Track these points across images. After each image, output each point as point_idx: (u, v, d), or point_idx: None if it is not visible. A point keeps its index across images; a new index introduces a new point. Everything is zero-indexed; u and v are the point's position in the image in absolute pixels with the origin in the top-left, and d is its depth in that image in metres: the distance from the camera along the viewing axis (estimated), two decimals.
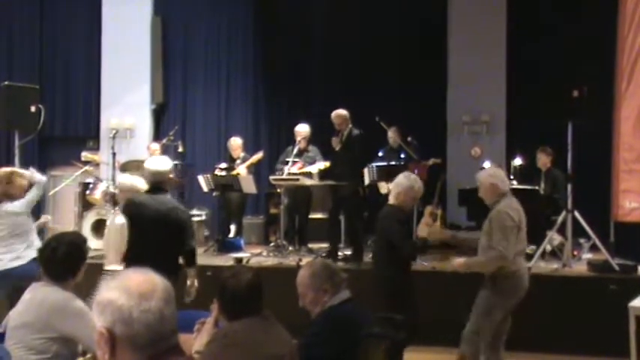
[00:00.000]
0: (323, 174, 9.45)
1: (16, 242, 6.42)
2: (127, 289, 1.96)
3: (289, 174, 9.23)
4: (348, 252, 8.95)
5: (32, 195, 6.57)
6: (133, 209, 5.76)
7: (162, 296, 1.99)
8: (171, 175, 6.01)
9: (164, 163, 6.05)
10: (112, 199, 10.05)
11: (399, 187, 5.93)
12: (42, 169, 13.11)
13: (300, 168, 9.44)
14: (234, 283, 3.46)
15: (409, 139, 10.33)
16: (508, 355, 6.94)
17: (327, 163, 9.45)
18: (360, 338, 3.80)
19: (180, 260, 5.81)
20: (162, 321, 1.97)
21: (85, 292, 4.36)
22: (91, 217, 10.19)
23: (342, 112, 8.94)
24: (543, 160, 9.72)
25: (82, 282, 4.06)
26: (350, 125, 8.91)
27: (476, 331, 5.73)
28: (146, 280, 2.01)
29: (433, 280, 7.69)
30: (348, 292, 4.01)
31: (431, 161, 10.19)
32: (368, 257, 8.29)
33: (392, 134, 10.22)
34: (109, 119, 12.65)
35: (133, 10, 12.80)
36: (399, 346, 5.49)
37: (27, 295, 3.89)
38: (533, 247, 8.54)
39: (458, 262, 5.78)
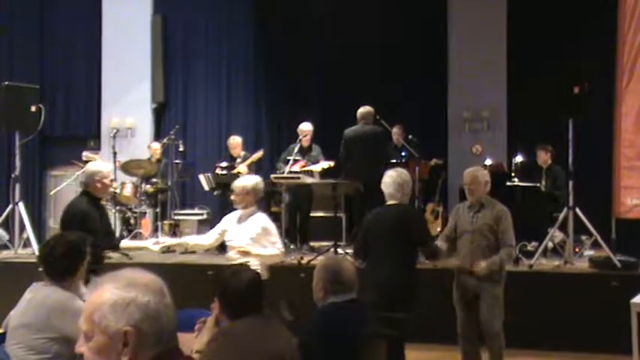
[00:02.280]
0: (325, 173, 9.46)
1: None
2: (146, 285, 1.96)
3: (290, 172, 9.22)
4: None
5: None
6: None
7: (167, 291, 2.01)
8: (97, 179, 5.66)
9: (88, 167, 5.84)
10: (113, 199, 10.05)
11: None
12: (43, 169, 13.22)
13: (303, 166, 9.44)
14: (234, 281, 3.46)
15: (410, 136, 10.34)
16: (510, 353, 6.95)
17: (332, 163, 9.45)
18: (358, 338, 3.79)
19: None
20: (175, 314, 2.00)
21: None
22: None
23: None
24: (543, 158, 9.72)
25: None
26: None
27: (500, 329, 5.92)
28: (151, 277, 2.02)
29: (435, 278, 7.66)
30: (352, 294, 3.99)
31: (433, 162, 10.20)
32: None
33: (397, 131, 10.28)
34: (110, 119, 12.64)
35: (133, 9, 12.81)
36: (400, 345, 5.51)
37: (27, 296, 3.88)
38: (535, 243, 8.55)
39: (481, 268, 5.78)
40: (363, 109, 9.07)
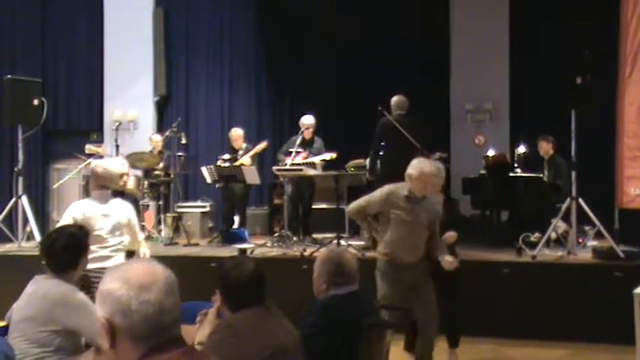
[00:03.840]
0: (327, 164, 9.46)
1: None
2: (127, 279, 1.96)
3: (293, 164, 9.21)
4: (356, 242, 8.94)
5: None
6: None
7: (162, 288, 1.98)
8: None
9: None
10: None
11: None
12: (46, 162, 13.25)
13: (305, 158, 9.42)
14: (236, 273, 3.44)
15: None
16: (513, 343, 6.98)
17: (334, 155, 9.44)
18: (360, 330, 3.79)
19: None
20: (162, 313, 1.96)
21: None
22: None
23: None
24: (545, 148, 9.71)
25: None
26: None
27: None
28: (147, 271, 2.01)
29: None
30: (355, 286, 3.98)
31: (437, 155, 10.15)
32: None
33: None
34: (112, 112, 12.67)
35: (134, 2, 12.82)
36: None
37: (29, 289, 3.89)
38: (538, 234, 8.53)
39: (450, 262, 5.65)
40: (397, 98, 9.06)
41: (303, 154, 9.47)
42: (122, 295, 1.94)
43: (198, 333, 3.54)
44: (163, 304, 1.97)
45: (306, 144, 9.65)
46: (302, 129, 9.61)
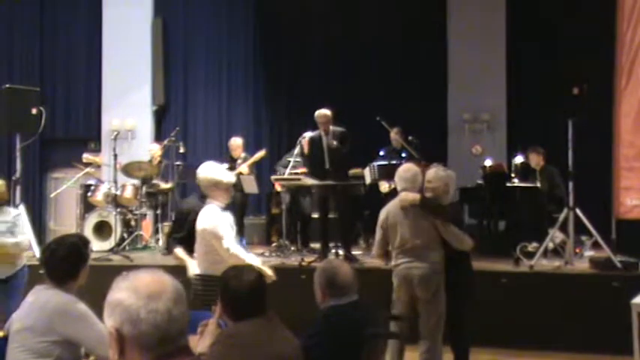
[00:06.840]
0: None
1: None
2: (136, 289, 1.98)
3: (291, 174, 9.20)
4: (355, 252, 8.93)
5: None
6: None
7: (171, 297, 2.00)
8: None
9: None
10: (113, 201, 10.06)
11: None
12: (43, 171, 13.24)
13: (304, 172, 9.39)
14: (236, 284, 3.46)
15: (410, 137, 10.31)
16: (512, 353, 6.98)
17: None
18: (361, 339, 3.79)
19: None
20: (170, 322, 1.98)
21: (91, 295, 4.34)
22: (92, 219, 10.22)
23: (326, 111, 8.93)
24: (535, 160, 9.74)
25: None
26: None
27: None
28: (155, 280, 2.03)
29: None
30: (354, 296, 3.99)
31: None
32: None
33: (394, 135, 10.14)
34: (110, 121, 12.67)
35: (133, 12, 12.84)
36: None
37: (29, 299, 3.88)
38: (535, 244, 8.55)
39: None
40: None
41: (303, 169, 9.43)
42: (131, 304, 1.96)
43: (199, 343, 3.54)
44: (172, 313, 1.98)
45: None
46: (300, 139, 9.53)
